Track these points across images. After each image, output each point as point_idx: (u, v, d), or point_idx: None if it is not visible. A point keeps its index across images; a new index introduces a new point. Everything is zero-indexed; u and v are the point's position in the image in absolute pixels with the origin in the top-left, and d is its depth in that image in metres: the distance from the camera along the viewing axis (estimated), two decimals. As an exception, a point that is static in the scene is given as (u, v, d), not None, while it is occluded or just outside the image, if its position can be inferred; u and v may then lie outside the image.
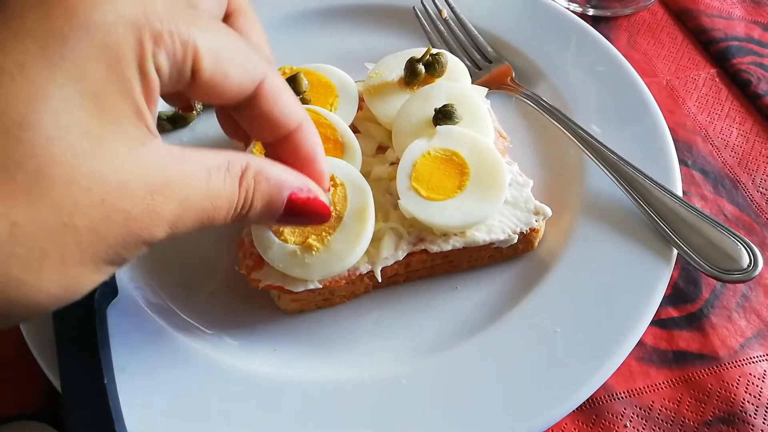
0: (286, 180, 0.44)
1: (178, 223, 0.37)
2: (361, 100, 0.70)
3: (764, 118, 0.78)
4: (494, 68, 0.79)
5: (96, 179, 0.33)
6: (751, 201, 0.71)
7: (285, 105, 0.44)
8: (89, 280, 0.35)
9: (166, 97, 0.49)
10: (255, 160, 0.42)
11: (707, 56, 0.86)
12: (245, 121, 0.45)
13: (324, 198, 0.47)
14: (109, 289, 0.58)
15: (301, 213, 0.45)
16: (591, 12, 0.91)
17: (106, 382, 0.52)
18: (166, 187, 0.36)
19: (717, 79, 0.83)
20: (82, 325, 0.55)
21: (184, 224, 0.38)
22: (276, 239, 0.57)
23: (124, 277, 0.62)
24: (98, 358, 0.53)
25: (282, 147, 0.46)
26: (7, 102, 0.31)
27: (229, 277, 0.63)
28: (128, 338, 0.57)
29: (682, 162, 0.74)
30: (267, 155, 0.47)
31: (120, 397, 0.53)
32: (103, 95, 0.34)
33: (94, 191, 0.33)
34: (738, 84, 0.82)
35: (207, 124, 0.77)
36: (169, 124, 0.76)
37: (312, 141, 0.47)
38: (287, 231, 0.57)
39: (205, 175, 0.38)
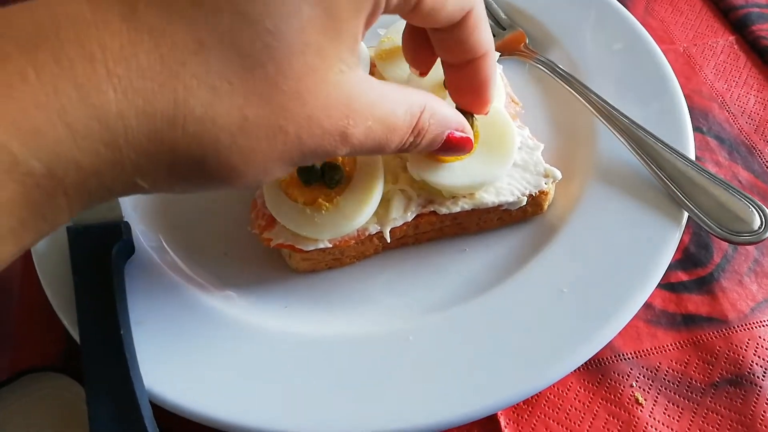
0: (450, 121, 0.50)
1: (359, 146, 0.42)
2: (372, 65, 0.70)
3: (783, 85, 0.77)
4: (507, 34, 0.79)
5: (312, 95, 0.37)
6: (767, 167, 0.70)
7: (481, 34, 0.49)
8: (277, 174, 0.40)
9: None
10: (430, 102, 0.47)
11: (726, 23, 0.85)
12: (439, 43, 0.50)
13: (471, 134, 0.53)
14: (126, 247, 0.60)
15: (451, 148, 0.52)
16: (608, -20, 0.89)
17: (122, 332, 0.54)
18: (359, 114, 0.40)
19: (735, 46, 0.82)
20: (100, 280, 0.57)
21: (362, 148, 0.42)
22: (287, 199, 0.58)
23: (140, 236, 0.64)
24: (115, 311, 0.55)
25: (464, 70, 0.52)
26: (265, 9, 0.34)
27: (242, 238, 0.64)
28: (144, 294, 0.59)
29: (698, 129, 0.73)
30: (446, 75, 0.54)
31: (136, 349, 0.55)
32: (339, 16, 0.37)
33: (309, 105, 0.37)
34: (757, 51, 0.80)
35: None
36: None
37: (490, 69, 0.52)
38: (297, 191, 0.58)
39: (391, 109, 0.43)
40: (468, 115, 0.57)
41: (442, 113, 0.49)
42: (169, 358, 0.56)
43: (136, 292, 0.59)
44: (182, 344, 0.57)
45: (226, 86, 0.35)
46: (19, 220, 0.32)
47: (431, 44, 0.51)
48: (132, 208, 0.67)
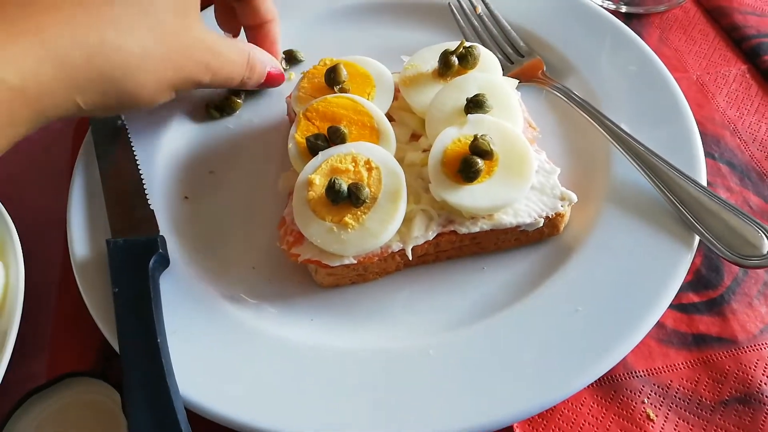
0: (268, 61, 0.75)
1: (216, 75, 0.67)
2: (396, 90, 0.74)
3: (794, 113, 0.79)
4: (526, 62, 0.82)
5: (188, 37, 0.62)
6: (777, 193, 0.72)
7: (268, 3, 0.77)
8: (166, 96, 0.64)
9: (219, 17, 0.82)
10: (253, 48, 0.73)
11: (739, 53, 0.87)
12: (241, 10, 0.77)
13: (282, 71, 0.80)
14: (162, 260, 0.63)
15: (271, 81, 0.77)
16: (624, 9, 0.92)
17: (159, 340, 0.57)
18: (214, 52, 0.66)
19: (747, 75, 0.84)
20: (138, 292, 0.60)
21: (218, 77, 0.67)
22: (315, 217, 0.62)
23: (174, 250, 0.67)
24: (152, 320, 0.58)
25: (260, 32, 0.78)
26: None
27: (271, 254, 0.68)
28: (178, 304, 0.62)
29: (710, 155, 0.76)
30: (248, 37, 0.80)
31: (171, 356, 0.58)
32: None
33: (186, 44, 0.62)
34: (768, 80, 0.83)
35: (252, 113, 0.82)
36: (217, 113, 0.81)
37: (277, 32, 0.80)
38: (325, 210, 0.61)
39: (232, 50, 0.69)
40: (483, 152, 0.61)
41: (261, 56, 0.74)
42: (200, 366, 0.59)
43: (170, 302, 0.62)
44: (213, 353, 0.60)
45: (133, 28, 0.56)
46: None
47: (236, 13, 0.78)
48: (166, 221, 0.70)
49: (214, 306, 0.63)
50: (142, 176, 0.72)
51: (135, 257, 0.62)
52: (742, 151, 0.77)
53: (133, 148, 0.75)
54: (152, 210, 0.68)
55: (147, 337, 0.57)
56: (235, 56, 0.69)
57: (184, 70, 0.62)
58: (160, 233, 0.66)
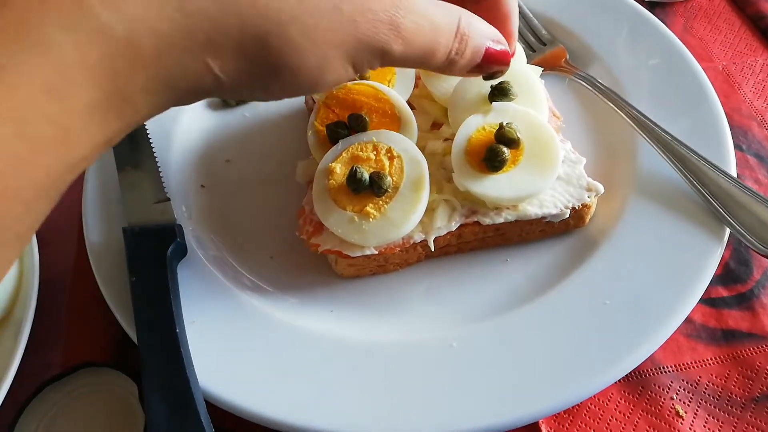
0: (487, 31, 0.49)
1: (410, 43, 0.43)
2: (417, 77, 0.72)
3: (823, 104, 0.78)
4: (548, 50, 0.80)
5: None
6: (807, 186, 0.71)
7: None
8: (336, 67, 0.41)
9: None
10: (465, 12, 0.47)
11: (765, 42, 0.85)
12: None
13: (508, 48, 0.51)
14: (180, 248, 0.62)
15: (491, 62, 0.50)
16: (647, -3, 0.90)
17: (178, 330, 0.56)
18: (406, 5, 0.42)
19: (775, 65, 0.82)
20: (156, 281, 0.59)
21: (413, 46, 0.43)
22: (336, 206, 0.60)
23: (192, 240, 0.66)
24: (171, 310, 0.57)
25: (485, 4, 0.52)
26: None
27: (290, 242, 0.66)
28: (196, 294, 0.61)
29: (737, 147, 0.74)
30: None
31: (190, 346, 0.57)
32: None
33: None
34: (797, 70, 0.81)
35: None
36: (233, 100, 0.80)
37: (512, 2, 0.52)
38: (346, 199, 0.60)
39: (434, 10, 0.45)
40: (508, 141, 0.59)
41: (478, 24, 0.48)
42: (219, 357, 0.58)
43: (188, 291, 0.61)
44: (231, 344, 0.59)
45: None
46: (104, 92, 0.34)
47: None
48: (183, 210, 0.69)
49: (233, 296, 0.62)
50: (158, 164, 0.71)
51: (153, 245, 0.61)
52: (770, 143, 0.75)
53: (149, 135, 0.73)
54: (169, 198, 0.67)
55: (166, 328, 0.56)
56: (441, 18, 0.45)
57: (362, 25, 0.40)
58: (177, 222, 0.65)
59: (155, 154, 0.72)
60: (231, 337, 0.59)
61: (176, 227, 0.63)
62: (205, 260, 0.65)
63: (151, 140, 0.73)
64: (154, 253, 0.60)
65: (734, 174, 0.65)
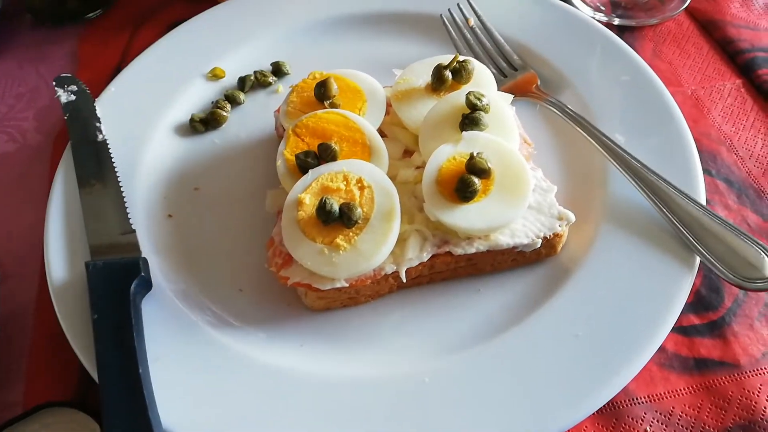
0: None
1: None
2: (388, 105, 0.71)
3: (790, 129, 0.79)
4: (519, 76, 0.80)
5: None
6: (776, 211, 0.71)
7: None
8: None
9: None
10: None
11: (733, 67, 0.86)
12: None
13: None
14: (144, 283, 0.61)
15: None
16: (617, 21, 0.91)
17: (141, 371, 0.54)
18: None
19: (742, 90, 0.83)
20: (119, 317, 0.57)
21: None
22: (305, 238, 0.59)
23: (157, 272, 0.64)
24: (133, 349, 0.55)
25: None
26: None
27: (258, 275, 0.65)
28: (161, 330, 0.60)
29: (706, 171, 0.74)
30: None
31: (153, 386, 0.55)
32: None
33: None
34: (764, 95, 0.82)
35: (238, 127, 0.79)
36: (202, 126, 0.78)
37: None
38: (316, 231, 0.59)
39: None
40: (479, 171, 0.59)
41: None
42: (185, 396, 0.56)
43: (152, 328, 0.59)
44: (197, 382, 0.57)
45: None
46: None
47: None
48: (148, 241, 0.67)
49: (200, 331, 0.60)
50: (123, 194, 0.69)
51: (115, 281, 0.59)
52: (738, 168, 0.75)
53: (114, 165, 0.72)
54: (134, 230, 0.65)
55: (128, 366, 0.54)
56: None
57: None
58: (143, 254, 0.63)
59: (120, 183, 0.70)
60: (197, 375, 0.57)
61: (140, 261, 0.61)
62: (170, 295, 0.63)
63: (116, 168, 0.71)
64: (117, 289, 0.58)
65: (703, 200, 0.65)
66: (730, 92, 0.83)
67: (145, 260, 0.62)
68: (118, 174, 0.71)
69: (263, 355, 0.59)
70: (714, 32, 0.90)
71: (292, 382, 0.57)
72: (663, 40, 0.90)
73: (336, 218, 0.58)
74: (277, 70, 0.84)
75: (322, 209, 0.58)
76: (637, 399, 0.58)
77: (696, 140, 0.71)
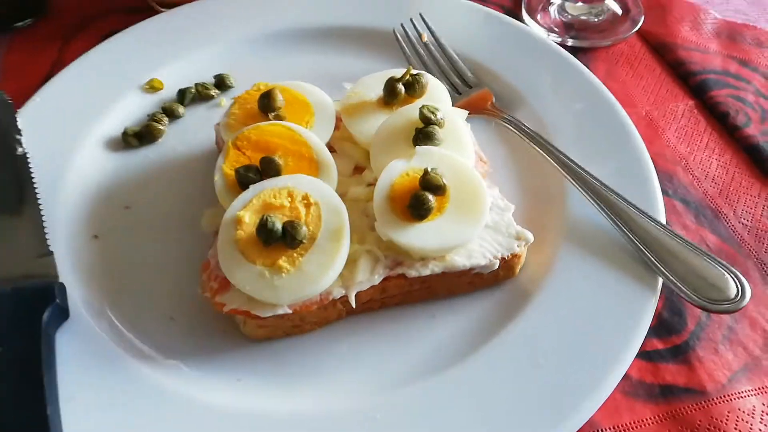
0: None
1: None
2: (338, 119, 0.67)
3: (743, 150, 0.78)
4: (474, 93, 0.78)
5: None
6: (733, 232, 0.70)
7: None
8: None
9: None
10: None
11: (685, 88, 0.86)
12: None
13: None
14: (58, 311, 0.54)
15: None
16: (570, 42, 0.90)
17: (48, 413, 0.47)
18: None
19: (695, 111, 0.83)
20: (26, 350, 0.50)
21: None
22: (244, 260, 0.54)
23: (76, 298, 0.58)
24: (42, 386, 0.48)
25: None
26: None
27: (192, 302, 0.59)
28: (78, 365, 0.53)
29: (663, 192, 0.72)
30: None
31: (65, 431, 0.48)
32: None
33: None
34: (716, 116, 0.82)
35: (176, 141, 0.74)
36: (135, 140, 0.73)
37: None
38: (255, 252, 0.54)
39: None
40: (434, 188, 0.55)
41: None
42: (102, 441, 0.49)
43: (67, 363, 0.52)
44: (120, 425, 0.50)
45: None
46: None
47: None
48: (69, 264, 0.60)
49: (123, 367, 0.54)
50: (41, 212, 0.62)
51: (25, 309, 0.52)
52: (695, 188, 0.74)
53: (34, 181, 0.65)
54: (51, 252, 0.58)
55: (34, 407, 0.47)
56: None
57: None
58: (59, 279, 0.56)
59: (39, 201, 0.63)
60: (119, 416, 0.50)
61: (56, 286, 0.54)
62: (91, 325, 0.56)
63: (35, 183, 0.65)
64: (26, 317, 0.52)
65: (663, 220, 0.63)
66: (683, 113, 0.83)
67: (62, 285, 0.55)
68: (37, 190, 0.64)
69: (196, 392, 0.53)
70: (665, 54, 0.90)
71: (229, 422, 0.51)
72: (616, 62, 0.90)
73: (278, 238, 0.53)
74: (221, 83, 0.79)
75: (263, 228, 0.53)
76: (602, 430, 0.55)
77: (652, 161, 0.70)
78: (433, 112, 0.60)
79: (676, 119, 0.82)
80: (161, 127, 0.73)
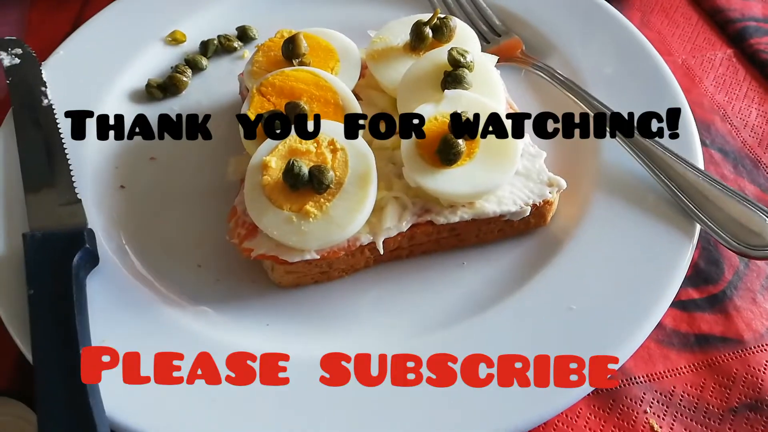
0: None
1: None
2: (363, 66, 0.66)
3: (785, 98, 0.75)
4: (503, 41, 0.75)
5: None
6: (773, 181, 0.67)
7: None
8: None
9: None
10: None
11: (723, 37, 0.83)
12: None
13: None
14: (89, 257, 0.54)
15: None
16: (603, -10, 0.87)
17: (81, 353, 0.47)
18: None
19: (734, 59, 0.80)
20: (59, 293, 0.51)
21: None
22: (271, 206, 0.53)
23: (106, 245, 0.58)
24: (74, 327, 0.48)
25: None
26: None
27: (219, 249, 0.59)
28: (109, 309, 0.53)
29: (701, 142, 0.70)
30: None
31: (96, 370, 0.48)
32: None
33: None
34: (756, 65, 0.78)
35: (200, 93, 0.73)
36: (160, 92, 0.72)
37: None
38: (283, 197, 0.53)
39: None
40: (465, 130, 0.54)
41: None
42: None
43: (99, 306, 0.53)
44: (149, 367, 0.50)
45: None
46: None
47: None
48: (97, 214, 0.61)
49: (152, 311, 0.54)
50: (69, 163, 0.62)
51: (56, 253, 0.52)
52: (733, 138, 0.71)
53: (61, 132, 0.65)
54: (79, 199, 0.59)
55: (67, 348, 0.48)
56: None
57: None
58: (88, 225, 0.56)
59: (67, 153, 0.63)
60: (149, 359, 0.51)
61: (85, 232, 0.55)
62: (121, 270, 0.56)
63: (62, 134, 0.64)
64: (57, 261, 0.52)
65: (702, 166, 0.61)
66: (721, 62, 0.80)
67: (91, 231, 0.56)
68: (64, 142, 0.64)
69: (224, 336, 0.53)
70: (703, 2, 0.86)
71: (257, 367, 0.51)
72: (651, 10, 0.86)
73: (305, 182, 0.53)
74: (243, 35, 0.78)
75: (290, 172, 0.52)
76: (635, 378, 0.54)
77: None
78: (462, 55, 0.58)
79: (714, 68, 0.79)
80: (185, 78, 0.73)
